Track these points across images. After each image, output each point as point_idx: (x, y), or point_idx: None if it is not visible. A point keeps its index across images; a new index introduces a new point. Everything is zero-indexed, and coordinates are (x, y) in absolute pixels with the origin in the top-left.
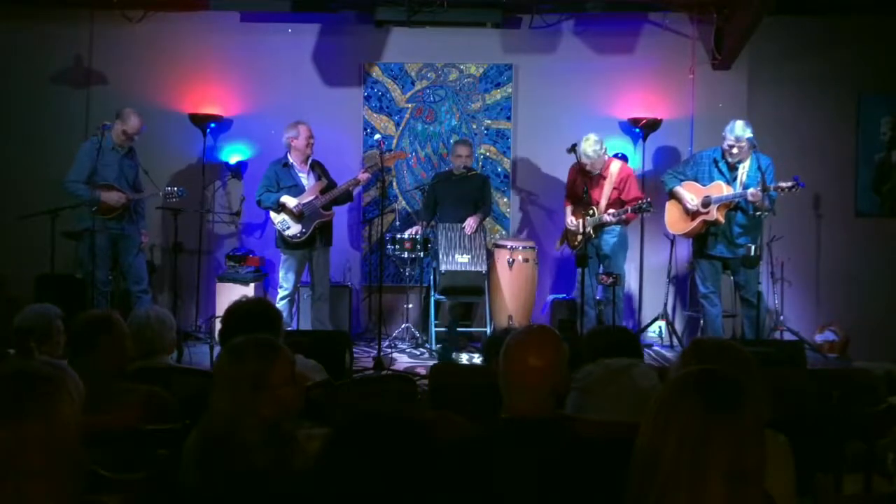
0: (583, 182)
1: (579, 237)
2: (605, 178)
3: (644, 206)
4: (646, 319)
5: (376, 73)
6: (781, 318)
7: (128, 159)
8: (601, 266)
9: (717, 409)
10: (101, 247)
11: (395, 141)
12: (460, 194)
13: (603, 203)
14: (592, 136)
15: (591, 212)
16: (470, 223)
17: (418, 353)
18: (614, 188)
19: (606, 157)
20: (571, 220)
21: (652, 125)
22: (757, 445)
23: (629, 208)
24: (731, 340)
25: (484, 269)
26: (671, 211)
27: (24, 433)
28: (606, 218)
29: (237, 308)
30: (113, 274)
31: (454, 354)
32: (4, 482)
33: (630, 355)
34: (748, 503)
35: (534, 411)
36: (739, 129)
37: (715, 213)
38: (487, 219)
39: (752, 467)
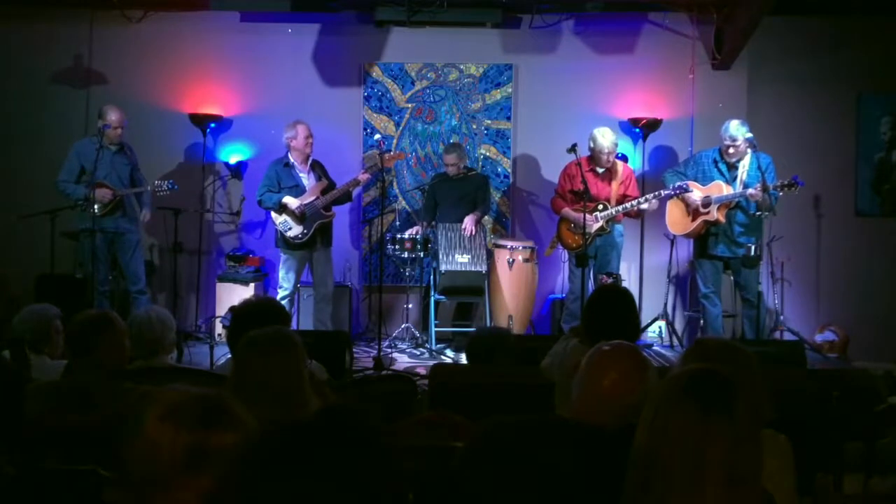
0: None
1: (579, 236)
2: (613, 175)
3: (683, 187)
4: (646, 319)
5: (376, 73)
6: (781, 318)
7: (119, 156)
8: (597, 265)
9: (712, 411)
10: (97, 247)
11: (395, 141)
12: (460, 194)
13: (613, 199)
14: (607, 129)
15: (601, 206)
16: (468, 225)
17: (418, 353)
18: (621, 184)
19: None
20: (586, 216)
21: (652, 125)
22: (753, 447)
23: (662, 192)
24: (735, 341)
25: (484, 269)
26: (672, 211)
27: None
28: (618, 210)
29: (243, 309)
30: (113, 274)
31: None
32: None
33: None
34: None
35: (596, 421)
36: (734, 129)
37: (715, 213)
38: (488, 219)
39: (748, 469)
